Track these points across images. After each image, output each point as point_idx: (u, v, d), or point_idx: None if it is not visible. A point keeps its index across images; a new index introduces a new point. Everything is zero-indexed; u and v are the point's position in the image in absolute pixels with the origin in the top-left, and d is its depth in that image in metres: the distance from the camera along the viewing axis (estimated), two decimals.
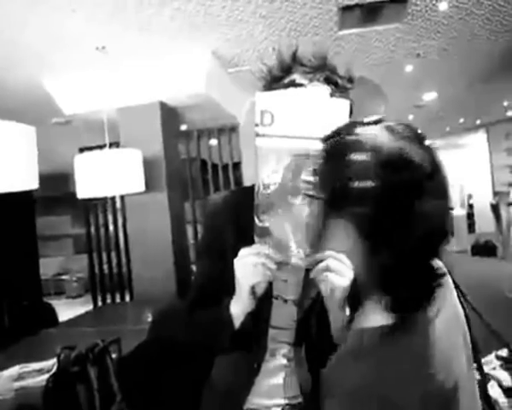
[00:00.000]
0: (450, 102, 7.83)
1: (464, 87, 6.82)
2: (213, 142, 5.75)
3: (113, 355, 2.18)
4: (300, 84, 1.18)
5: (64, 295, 9.95)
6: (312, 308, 1.18)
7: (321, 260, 0.96)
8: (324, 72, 1.19)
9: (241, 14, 3.47)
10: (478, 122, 11.17)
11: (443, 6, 3.71)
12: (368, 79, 4.79)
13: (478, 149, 11.77)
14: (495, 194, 10.79)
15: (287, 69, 1.21)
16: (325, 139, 0.94)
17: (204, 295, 1.26)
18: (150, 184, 4.34)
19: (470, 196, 12.09)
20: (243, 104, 4.83)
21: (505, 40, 4.75)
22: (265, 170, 0.97)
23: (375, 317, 0.90)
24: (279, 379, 1.25)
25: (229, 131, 5.61)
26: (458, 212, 11.26)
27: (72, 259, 10.68)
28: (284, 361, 1.25)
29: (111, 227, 5.94)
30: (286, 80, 1.20)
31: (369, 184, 0.82)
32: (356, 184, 0.83)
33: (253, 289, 1.05)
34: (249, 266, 1.02)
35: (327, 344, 1.12)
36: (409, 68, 5.40)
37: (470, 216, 11.77)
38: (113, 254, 6.00)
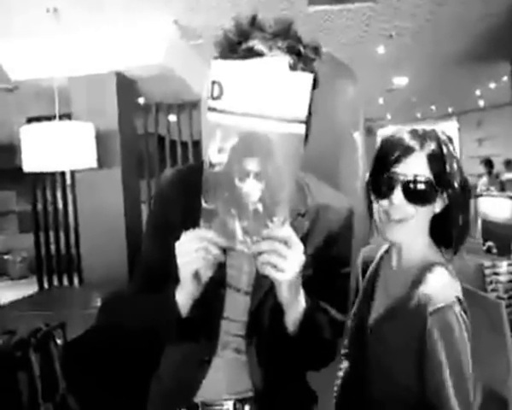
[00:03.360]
0: (421, 88, 7.98)
1: (437, 74, 6.95)
2: (173, 118, 5.66)
3: (58, 341, 2.17)
4: (259, 53, 1.11)
5: (7, 276, 9.70)
6: (266, 299, 1.19)
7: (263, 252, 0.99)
8: (286, 39, 1.13)
9: None
10: (450, 110, 11.42)
11: None
12: (336, 57, 4.78)
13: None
14: None
15: (245, 34, 1.14)
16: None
17: (149, 279, 1.26)
18: (103, 160, 4.26)
19: None
20: (206, 79, 4.77)
21: (481, 28, 4.87)
22: (212, 147, 0.94)
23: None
24: (230, 373, 1.25)
25: (190, 107, 5.48)
26: None
27: (16, 237, 10.40)
28: (236, 355, 1.24)
29: (60, 205, 5.80)
30: (243, 47, 1.12)
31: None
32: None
33: (196, 276, 1.05)
34: (190, 252, 1.01)
35: (280, 338, 1.15)
36: (380, 50, 5.47)
37: None
38: (62, 234, 5.87)
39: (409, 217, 1.23)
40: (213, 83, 0.93)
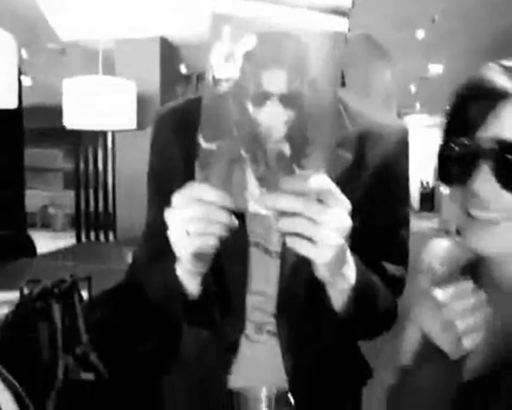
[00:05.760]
0: (457, 78, 7.54)
1: (475, 64, 6.53)
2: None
3: (84, 294, 1.98)
4: None
5: (50, 228, 9.76)
6: (302, 265, 0.78)
7: (286, 214, 0.61)
8: None
9: None
10: None
11: None
12: (374, 38, 4.46)
13: None
14: None
15: None
16: None
17: (154, 246, 0.90)
18: (143, 123, 4.06)
19: None
20: None
21: None
22: (217, 54, 0.59)
23: None
24: (269, 359, 0.94)
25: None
26: None
27: (61, 193, 10.44)
28: (272, 338, 0.92)
29: (100, 165, 5.70)
30: None
31: None
32: None
33: (198, 254, 0.69)
34: (184, 223, 0.65)
35: (322, 318, 0.83)
36: (420, 34, 5.09)
37: None
38: (101, 193, 5.80)
39: (507, 212, 0.67)
40: None
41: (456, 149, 0.70)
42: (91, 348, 1.86)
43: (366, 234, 0.83)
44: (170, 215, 0.67)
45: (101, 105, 3.28)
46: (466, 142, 0.69)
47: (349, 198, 0.65)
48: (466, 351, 0.67)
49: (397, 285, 0.92)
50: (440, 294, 0.68)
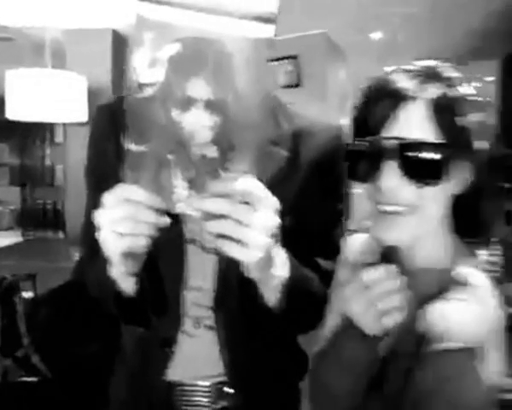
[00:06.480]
0: None
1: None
2: None
3: (25, 294, 1.90)
4: None
5: None
6: (236, 261, 0.76)
7: (214, 216, 0.63)
8: None
9: None
10: None
11: None
12: (332, 39, 4.48)
13: None
14: None
15: None
16: None
17: (90, 243, 0.84)
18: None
19: None
20: None
21: (476, 26, 4.60)
22: (140, 59, 0.60)
23: None
24: (208, 353, 0.95)
25: None
26: None
27: (6, 190, 10.05)
28: (210, 332, 0.94)
29: (48, 160, 5.53)
30: None
31: None
32: None
33: (128, 254, 0.69)
34: (113, 224, 0.65)
35: (256, 313, 0.83)
36: (377, 36, 5.17)
37: None
38: (49, 189, 5.65)
39: (411, 206, 0.74)
40: None
41: (363, 148, 0.75)
42: (33, 350, 1.79)
43: (300, 231, 0.86)
44: (99, 215, 0.67)
45: (46, 97, 3.17)
46: (371, 141, 0.74)
47: (285, 195, 0.68)
48: (385, 329, 0.74)
49: (329, 279, 0.94)
50: (364, 276, 0.74)
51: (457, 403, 0.70)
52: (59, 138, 5.30)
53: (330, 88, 3.81)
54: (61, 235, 5.50)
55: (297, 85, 3.76)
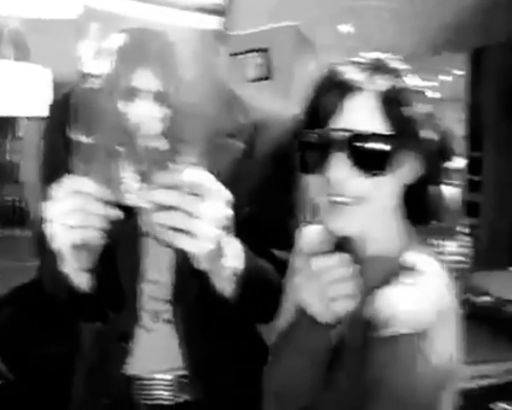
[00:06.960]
0: None
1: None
2: None
3: None
4: None
5: None
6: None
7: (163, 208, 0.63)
8: None
9: None
10: None
11: None
12: (301, 31, 4.47)
13: None
14: None
15: None
16: None
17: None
18: None
19: None
20: None
21: (442, 20, 4.64)
22: (86, 49, 0.62)
23: None
24: (166, 347, 0.95)
25: None
26: None
27: None
28: (168, 325, 0.94)
29: (8, 156, 5.45)
30: None
31: None
32: None
33: (79, 247, 0.68)
34: (62, 216, 0.65)
35: (212, 304, 0.85)
36: (345, 29, 5.18)
37: None
38: (17, 186, 5.56)
39: (360, 196, 0.76)
40: None
41: (313, 140, 0.77)
42: None
43: (255, 222, 0.88)
44: (48, 208, 0.67)
45: (7, 90, 3.07)
46: (320, 133, 0.76)
47: (240, 187, 0.70)
48: (337, 317, 0.75)
49: (284, 269, 0.96)
50: (315, 263, 0.76)
51: (406, 388, 0.72)
52: (22, 133, 5.21)
53: (300, 81, 3.81)
54: (27, 233, 5.42)
55: (267, 78, 3.75)
